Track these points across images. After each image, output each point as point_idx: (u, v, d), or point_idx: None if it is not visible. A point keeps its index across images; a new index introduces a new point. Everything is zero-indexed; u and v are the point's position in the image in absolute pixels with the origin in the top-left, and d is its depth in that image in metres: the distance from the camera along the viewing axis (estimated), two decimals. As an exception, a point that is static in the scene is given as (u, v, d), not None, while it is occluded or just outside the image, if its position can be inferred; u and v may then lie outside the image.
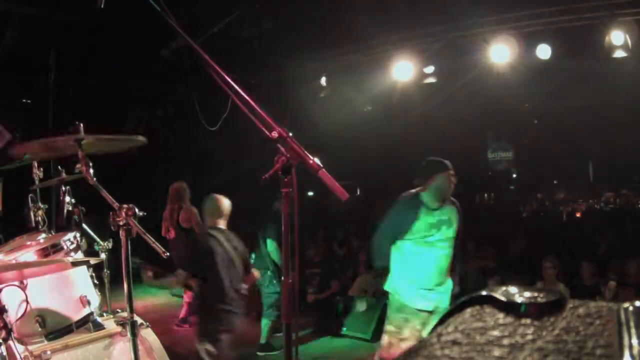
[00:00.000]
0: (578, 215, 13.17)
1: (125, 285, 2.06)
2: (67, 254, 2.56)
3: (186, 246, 4.76)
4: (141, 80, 9.15)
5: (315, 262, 7.83)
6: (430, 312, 3.72)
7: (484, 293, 0.70)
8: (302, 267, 7.69)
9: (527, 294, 0.68)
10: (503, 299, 0.67)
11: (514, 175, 19.07)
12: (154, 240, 2.04)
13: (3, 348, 1.99)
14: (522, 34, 6.78)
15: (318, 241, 8.58)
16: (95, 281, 2.77)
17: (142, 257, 8.98)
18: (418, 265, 3.77)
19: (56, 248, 2.52)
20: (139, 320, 2.39)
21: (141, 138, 2.55)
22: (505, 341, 0.60)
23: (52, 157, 2.93)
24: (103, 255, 3.28)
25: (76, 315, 2.47)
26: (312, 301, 7.28)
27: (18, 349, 2.05)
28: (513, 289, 0.70)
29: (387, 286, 3.91)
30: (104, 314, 2.97)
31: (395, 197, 4.10)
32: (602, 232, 8.69)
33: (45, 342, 2.37)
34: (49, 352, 2.31)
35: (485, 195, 18.25)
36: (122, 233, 2.00)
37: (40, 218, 2.97)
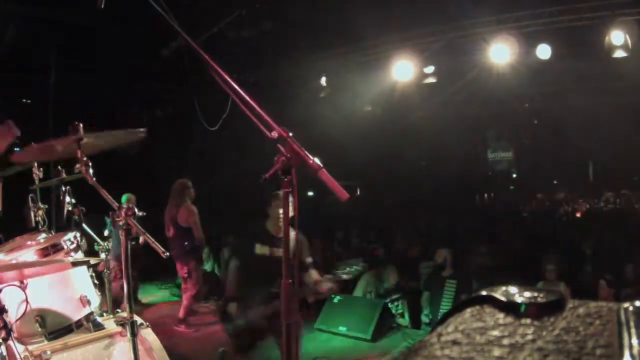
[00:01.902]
0: (578, 215, 13.16)
1: (125, 285, 2.06)
2: (67, 253, 2.56)
3: None
4: (141, 80, 9.15)
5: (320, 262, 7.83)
6: None
7: (484, 293, 0.70)
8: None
9: (527, 294, 0.68)
10: (503, 299, 0.67)
11: (514, 175, 19.07)
12: (153, 240, 2.04)
13: (3, 348, 1.99)
14: (522, 34, 6.78)
15: (319, 241, 8.59)
16: (96, 281, 2.77)
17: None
18: None
19: (56, 248, 2.52)
20: (139, 320, 2.39)
21: (142, 131, 2.53)
22: (505, 341, 0.60)
23: (54, 159, 2.92)
24: (103, 255, 3.28)
25: (76, 315, 2.47)
26: (313, 301, 7.23)
27: (18, 349, 2.05)
28: (513, 289, 0.69)
29: None
30: (104, 314, 2.97)
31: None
32: (602, 232, 8.68)
33: (45, 342, 2.37)
34: (49, 352, 2.31)
35: (485, 195, 18.25)
36: (121, 233, 2.00)
37: (40, 218, 2.97)
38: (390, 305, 6.59)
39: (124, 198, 6.93)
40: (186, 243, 6.18)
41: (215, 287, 7.82)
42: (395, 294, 6.74)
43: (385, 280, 6.88)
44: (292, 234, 3.90)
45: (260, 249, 4.06)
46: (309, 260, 4.04)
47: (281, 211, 3.86)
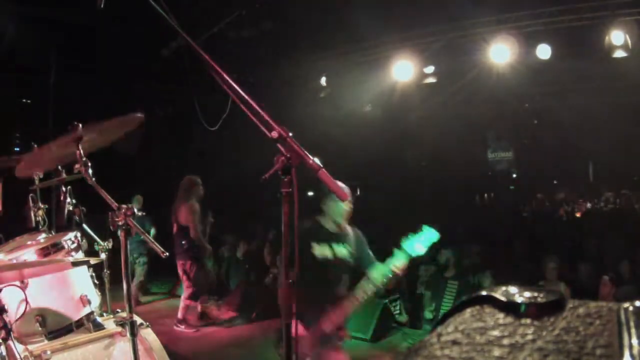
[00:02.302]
0: (578, 215, 13.17)
1: (125, 286, 2.05)
2: (68, 253, 2.56)
3: None
4: (141, 80, 9.15)
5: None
6: None
7: (484, 293, 0.70)
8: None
9: (527, 294, 0.68)
10: (503, 299, 0.67)
11: (514, 175, 19.07)
12: (152, 240, 2.04)
13: (3, 348, 1.99)
14: (522, 34, 6.79)
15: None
16: (96, 281, 2.77)
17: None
18: None
19: (56, 248, 2.52)
20: (139, 320, 2.39)
21: (139, 115, 2.51)
22: (505, 341, 0.60)
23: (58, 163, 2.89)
24: (103, 255, 3.28)
25: (76, 315, 2.47)
26: None
27: (18, 348, 2.05)
28: (513, 289, 0.69)
29: None
30: (104, 314, 2.97)
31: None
32: (602, 232, 8.68)
33: (45, 341, 2.37)
34: (49, 352, 2.31)
35: (485, 195, 18.25)
36: (121, 233, 2.00)
37: (40, 218, 2.96)
38: (390, 306, 6.61)
39: (134, 200, 7.06)
40: (183, 242, 6.15)
41: (215, 287, 7.81)
42: (394, 294, 6.76)
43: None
44: (351, 230, 3.61)
45: (320, 250, 3.49)
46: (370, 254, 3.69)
47: (345, 205, 3.49)
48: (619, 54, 6.35)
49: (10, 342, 1.98)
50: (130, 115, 2.46)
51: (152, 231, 8.34)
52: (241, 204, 10.69)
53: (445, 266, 6.59)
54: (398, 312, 6.68)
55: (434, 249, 7.34)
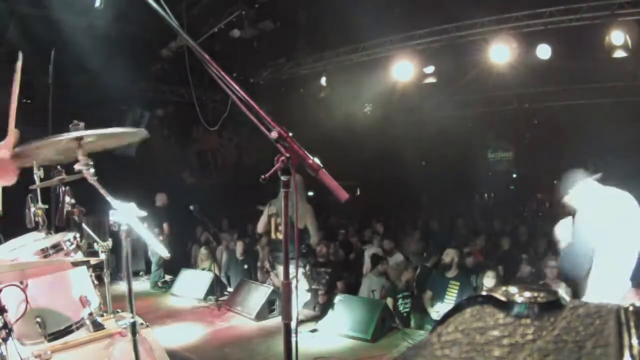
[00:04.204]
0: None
1: (125, 286, 2.06)
2: (67, 254, 2.55)
3: None
4: (141, 80, 9.16)
5: (323, 261, 7.82)
6: None
7: (483, 293, 0.70)
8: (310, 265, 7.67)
9: (527, 294, 0.68)
10: (503, 299, 0.67)
11: (514, 175, 19.05)
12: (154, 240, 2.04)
13: (3, 348, 1.99)
14: (522, 34, 6.79)
15: (328, 241, 8.61)
16: (95, 281, 2.77)
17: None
18: None
19: (56, 248, 2.52)
20: (139, 320, 2.39)
21: (144, 130, 2.55)
22: (505, 341, 0.60)
23: (56, 161, 2.91)
24: (103, 255, 3.28)
25: (76, 315, 2.47)
26: (324, 302, 7.15)
27: (18, 349, 2.05)
28: (513, 289, 0.69)
29: None
30: (104, 314, 2.97)
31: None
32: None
33: (45, 342, 2.37)
34: (49, 352, 2.31)
35: (485, 195, 18.23)
36: (121, 233, 2.00)
37: (40, 218, 2.96)
38: (400, 302, 6.62)
39: (157, 197, 7.73)
40: (303, 245, 5.72)
41: (214, 287, 7.82)
42: (405, 291, 6.77)
43: (395, 279, 6.91)
44: None
45: None
46: None
47: None
48: (619, 54, 6.35)
49: (10, 342, 1.98)
50: (134, 130, 2.52)
51: (165, 227, 8.68)
52: (241, 204, 10.70)
53: (449, 266, 6.58)
54: (408, 309, 6.68)
55: (437, 248, 7.33)
